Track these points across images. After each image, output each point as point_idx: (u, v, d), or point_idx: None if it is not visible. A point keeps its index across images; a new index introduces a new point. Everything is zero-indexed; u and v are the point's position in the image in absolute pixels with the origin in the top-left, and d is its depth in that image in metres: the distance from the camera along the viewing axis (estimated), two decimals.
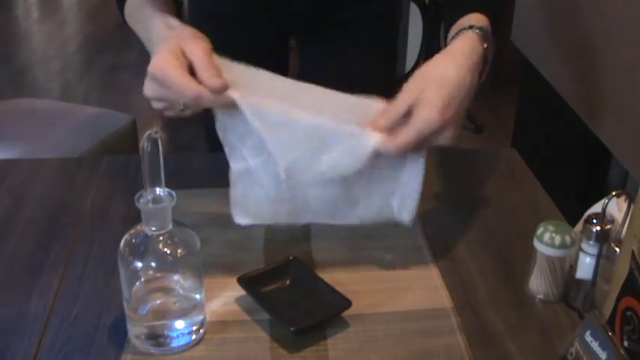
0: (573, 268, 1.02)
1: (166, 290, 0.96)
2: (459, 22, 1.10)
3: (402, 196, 1.06)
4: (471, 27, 1.07)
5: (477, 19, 1.09)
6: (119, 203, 1.25)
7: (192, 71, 0.97)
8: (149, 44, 1.10)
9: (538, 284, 1.05)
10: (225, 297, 1.03)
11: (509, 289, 1.07)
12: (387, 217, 1.07)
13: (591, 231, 0.98)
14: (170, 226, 0.90)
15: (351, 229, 1.19)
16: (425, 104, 0.97)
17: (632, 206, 0.93)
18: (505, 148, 1.52)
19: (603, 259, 0.97)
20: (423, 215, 1.24)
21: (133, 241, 0.91)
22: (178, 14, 1.16)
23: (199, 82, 0.95)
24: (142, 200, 0.88)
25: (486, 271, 1.11)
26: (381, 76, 1.59)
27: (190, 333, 0.95)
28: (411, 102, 0.98)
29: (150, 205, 0.88)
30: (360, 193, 1.05)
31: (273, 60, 1.62)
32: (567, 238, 1.01)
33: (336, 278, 1.05)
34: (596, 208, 1.02)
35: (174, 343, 0.94)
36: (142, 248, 0.91)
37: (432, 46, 4.05)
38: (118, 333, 0.96)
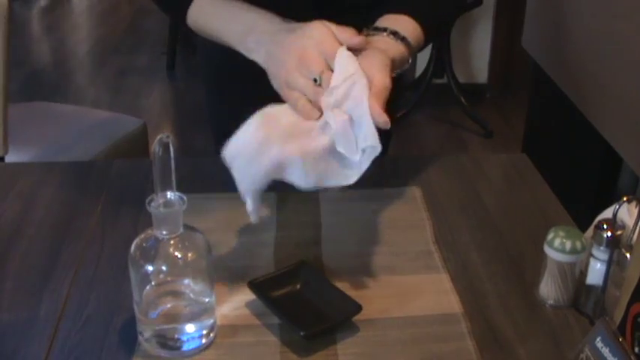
0: (584, 273, 1.02)
1: (177, 294, 0.96)
2: (391, 17, 1.14)
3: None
4: (403, 39, 1.11)
5: (407, 25, 1.14)
6: (130, 207, 1.26)
7: None
8: (243, 30, 1.14)
9: (548, 290, 1.04)
10: (236, 301, 1.03)
11: (520, 295, 1.07)
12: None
13: (602, 237, 0.98)
14: (181, 230, 0.91)
15: (362, 234, 1.20)
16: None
17: None
18: (516, 154, 1.52)
19: (614, 264, 0.97)
20: (433, 220, 1.24)
21: (144, 244, 0.91)
22: None
23: None
24: (152, 204, 0.89)
25: (496, 276, 1.11)
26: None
27: (201, 337, 0.95)
28: None
29: (161, 209, 0.89)
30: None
31: None
32: (578, 244, 1.00)
33: (346, 283, 1.05)
34: (607, 213, 1.02)
35: (185, 347, 0.94)
36: (153, 252, 0.91)
37: (442, 50, 4.05)
38: (129, 336, 0.97)
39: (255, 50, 1.11)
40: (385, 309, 1.03)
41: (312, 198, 1.29)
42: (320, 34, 1.04)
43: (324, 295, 1.02)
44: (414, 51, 1.13)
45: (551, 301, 1.05)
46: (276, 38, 1.08)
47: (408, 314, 1.02)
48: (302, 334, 0.95)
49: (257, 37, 1.12)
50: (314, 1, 1.38)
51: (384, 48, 1.08)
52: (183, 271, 0.94)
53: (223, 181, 1.34)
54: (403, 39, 1.11)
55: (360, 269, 1.11)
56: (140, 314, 0.94)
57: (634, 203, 0.98)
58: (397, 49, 1.10)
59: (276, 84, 1.06)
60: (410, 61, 1.13)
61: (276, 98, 1.05)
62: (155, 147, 0.86)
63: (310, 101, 1.02)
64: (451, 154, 1.44)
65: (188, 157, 3.34)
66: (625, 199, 0.97)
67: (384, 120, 0.98)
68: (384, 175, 1.38)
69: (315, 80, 1.02)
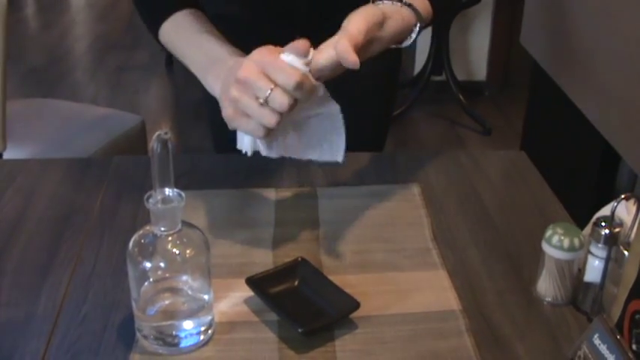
0: (582, 271, 1.02)
1: (175, 290, 0.96)
2: None
3: (330, 142, 1.08)
4: (410, 5, 1.10)
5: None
6: (128, 203, 1.26)
7: None
8: (206, 63, 1.14)
9: (546, 287, 1.05)
10: (234, 298, 1.03)
11: (518, 292, 1.07)
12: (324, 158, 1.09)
13: (600, 234, 0.98)
14: (179, 227, 0.91)
15: (360, 231, 1.20)
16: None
17: None
18: (514, 151, 1.52)
19: (612, 262, 0.97)
20: (432, 217, 1.24)
21: (142, 241, 0.91)
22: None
23: None
24: (151, 200, 0.89)
25: (495, 273, 1.11)
26: (386, 77, 1.59)
27: (199, 333, 0.95)
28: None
29: (159, 205, 0.89)
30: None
31: None
32: (576, 241, 1.01)
33: (344, 279, 1.05)
34: (605, 211, 1.02)
35: (183, 344, 0.94)
36: (151, 248, 0.91)
37: (440, 47, 4.05)
38: (127, 333, 0.97)
39: (214, 86, 1.11)
40: (383, 306, 1.03)
41: (310, 195, 1.29)
42: (259, 55, 1.02)
43: (322, 291, 1.02)
44: (421, 20, 1.11)
45: (549, 299, 1.05)
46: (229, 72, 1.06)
47: (407, 311, 1.02)
48: (300, 330, 0.95)
49: (216, 73, 1.11)
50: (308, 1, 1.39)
51: (384, 9, 1.07)
52: (181, 267, 0.94)
53: (222, 178, 1.35)
54: (410, 5, 1.10)
55: (359, 266, 1.12)
56: (138, 311, 0.94)
57: (632, 201, 0.98)
58: (398, 11, 1.09)
59: (224, 113, 1.04)
60: (417, 27, 1.11)
61: None
62: (153, 143, 0.86)
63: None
64: (450, 152, 1.43)
65: (186, 153, 3.34)
66: (623, 196, 0.97)
67: (353, 60, 0.97)
68: (383, 172, 1.39)
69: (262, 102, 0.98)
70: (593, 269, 1.00)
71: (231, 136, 1.57)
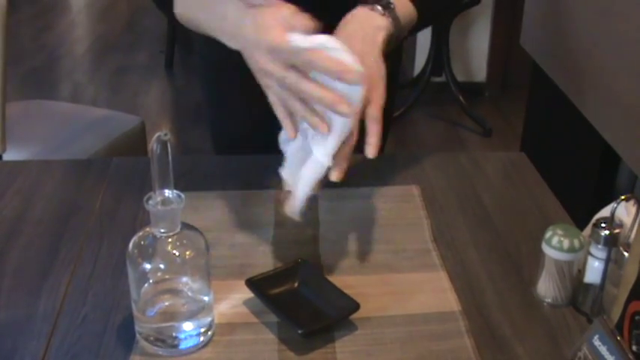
0: (582, 272, 1.02)
1: (175, 292, 0.96)
2: None
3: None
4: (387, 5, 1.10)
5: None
6: (128, 205, 1.26)
7: None
8: (223, 26, 1.12)
9: (546, 288, 1.04)
10: (234, 299, 1.03)
11: (518, 293, 1.07)
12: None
13: (600, 235, 0.98)
14: (179, 228, 0.91)
15: (360, 232, 1.20)
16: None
17: None
18: (514, 152, 1.52)
19: (612, 263, 0.97)
20: (432, 218, 1.24)
21: (142, 242, 0.91)
22: None
23: None
24: (150, 202, 0.89)
25: (494, 274, 1.11)
26: (385, 78, 1.58)
27: (198, 335, 0.95)
28: None
29: (159, 206, 0.89)
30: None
31: None
32: (576, 242, 1.01)
33: (344, 281, 1.05)
34: (605, 212, 1.02)
35: (183, 345, 0.94)
36: (151, 250, 0.91)
37: (440, 48, 4.05)
38: (127, 334, 0.97)
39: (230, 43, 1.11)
40: (383, 307, 1.03)
41: (310, 195, 1.29)
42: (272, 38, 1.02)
43: (322, 293, 1.02)
44: (401, 28, 1.11)
45: (549, 300, 1.05)
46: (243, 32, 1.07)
47: (406, 312, 1.02)
48: (300, 332, 0.95)
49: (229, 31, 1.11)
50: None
51: (372, 25, 1.08)
52: (181, 269, 0.94)
53: (221, 179, 1.35)
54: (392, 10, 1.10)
55: (358, 267, 1.12)
56: (138, 312, 0.94)
57: (632, 202, 0.98)
58: (384, 23, 1.09)
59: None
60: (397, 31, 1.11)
61: None
62: (153, 145, 0.86)
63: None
64: (450, 153, 1.44)
65: (186, 155, 3.35)
66: (623, 197, 0.97)
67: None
68: (382, 173, 1.38)
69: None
70: (593, 270, 1.00)
71: (231, 137, 1.57)
